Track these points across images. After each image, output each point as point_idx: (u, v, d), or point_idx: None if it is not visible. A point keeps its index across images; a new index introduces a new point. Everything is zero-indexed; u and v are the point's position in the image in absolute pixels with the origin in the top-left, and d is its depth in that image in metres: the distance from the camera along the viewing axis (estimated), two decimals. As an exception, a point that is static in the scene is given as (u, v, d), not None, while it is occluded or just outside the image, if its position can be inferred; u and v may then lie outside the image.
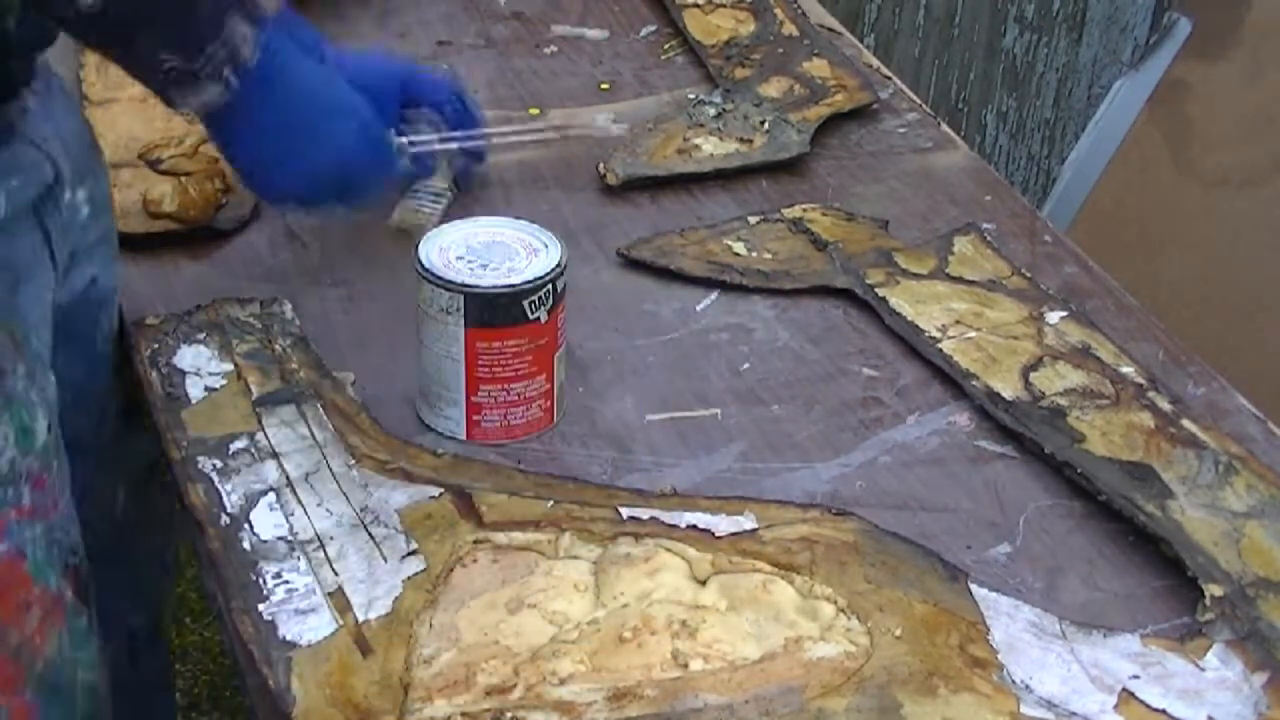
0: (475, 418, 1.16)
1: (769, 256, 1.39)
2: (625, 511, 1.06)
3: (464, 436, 1.17)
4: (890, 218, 1.46)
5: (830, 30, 1.78)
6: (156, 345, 1.21)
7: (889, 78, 1.70)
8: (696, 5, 1.80)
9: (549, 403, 1.19)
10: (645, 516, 1.06)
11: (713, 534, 1.05)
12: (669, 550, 1.03)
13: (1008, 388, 1.22)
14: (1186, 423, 1.19)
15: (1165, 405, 1.21)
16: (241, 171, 1.11)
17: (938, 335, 1.28)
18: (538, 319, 1.14)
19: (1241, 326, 1.82)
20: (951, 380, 1.24)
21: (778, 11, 1.79)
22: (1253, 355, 1.72)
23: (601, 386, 1.24)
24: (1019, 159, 2.82)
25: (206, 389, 1.18)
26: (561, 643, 0.96)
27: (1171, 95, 2.06)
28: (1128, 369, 1.25)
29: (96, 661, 1.10)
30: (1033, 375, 1.24)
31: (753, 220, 1.44)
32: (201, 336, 1.23)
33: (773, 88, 1.64)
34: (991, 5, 2.66)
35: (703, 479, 1.15)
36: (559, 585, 1.00)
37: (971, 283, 1.36)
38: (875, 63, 1.74)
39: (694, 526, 1.05)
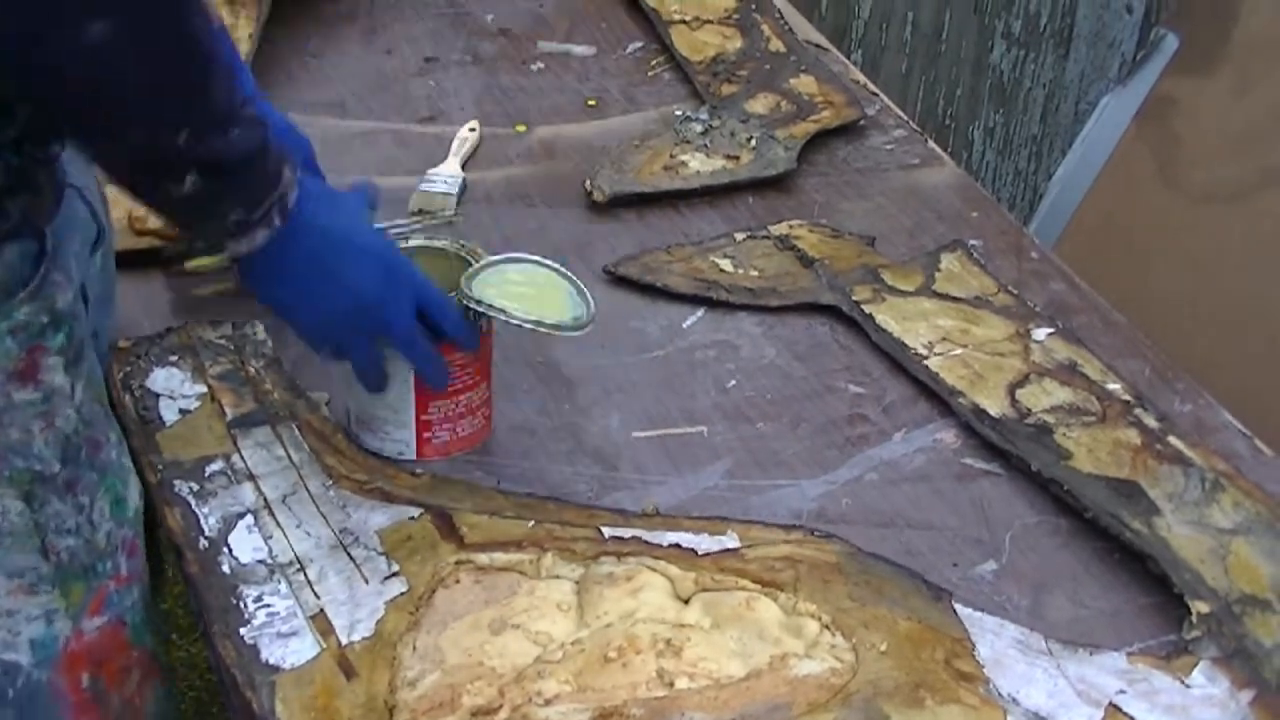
0: (426, 435, 1.15)
1: (755, 273, 1.39)
2: (607, 531, 1.06)
3: (414, 456, 1.16)
4: (877, 234, 1.46)
5: (817, 46, 1.78)
6: (129, 368, 1.21)
7: (876, 94, 1.71)
8: (683, 21, 1.80)
9: (489, 410, 1.19)
10: (627, 536, 1.06)
11: (695, 552, 1.04)
12: (651, 569, 1.02)
13: (994, 405, 1.22)
14: (1173, 439, 1.19)
15: (1152, 422, 1.21)
16: (272, 308, 1.09)
17: (924, 352, 1.28)
18: (481, 328, 1.14)
19: (1229, 343, 1.81)
20: (938, 397, 1.24)
21: (765, 28, 1.79)
22: (1240, 371, 1.72)
23: (587, 404, 1.24)
24: (1006, 175, 2.82)
25: (181, 411, 1.17)
26: (546, 663, 0.96)
27: (1159, 111, 2.06)
28: (1114, 386, 1.25)
29: (179, 709, 1.13)
30: (1019, 392, 1.24)
31: (739, 237, 1.44)
32: (174, 359, 1.22)
33: (760, 104, 1.64)
34: (979, 21, 2.66)
35: (689, 496, 1.14)
36: (542, 605, 1.00)
37: (958, 299, 1.36)
38: (862, 79, 1.74)
39: (676, 545, 1.05)
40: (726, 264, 1.40)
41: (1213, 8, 2.10)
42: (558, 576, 1.02)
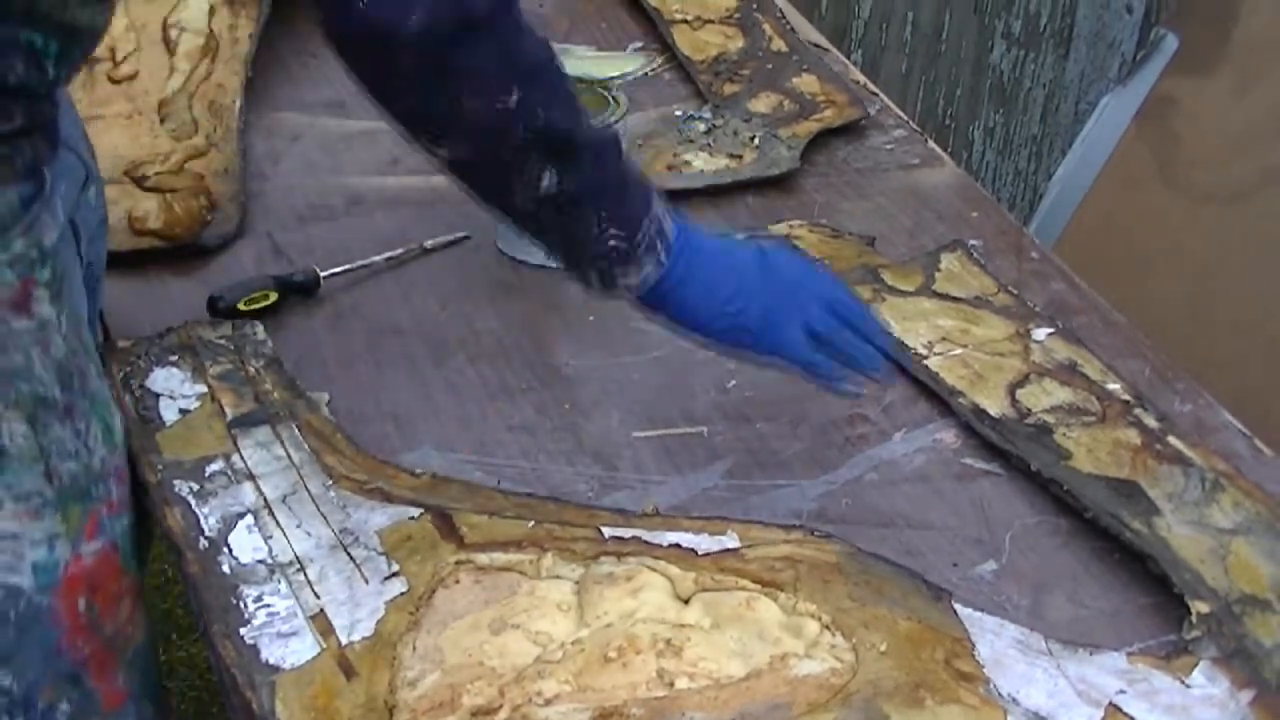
0: None
1: (755, 273, 1.39)
2: (607, 531, 1.06)
3: None
4: (877, 234, 1.46)
5: (817, 46, 1.78)
6: (129, 368, 1.21)
7: (876, 94, 1.70)
8: (685, 21, 1.80)
9: None
10: (627, 535, 1.06)
11: (695, 552, 1.04)
12: (651, 569, 1.02)
13: (994, 405, 1.22)
14: (1173, 439, 1.19)
15: (1152, 422, 1.21)
16: (688, 325, 1.14)
17: (924, 352, 1.28)
18: None
19: (1228, 343, 1.81)
20: (938, 397, 1.24)
21: (766, 27, 1.79)
22: (1239, 372, 1.72)
23: (587, 404, 1.24)
24: (1006, 175, 2.82)
25: (180, 411, 1.17)
26: (546, 663, 0.96)
27: (1159, 111, 2.06)
28: (1114, 386, 1.25)
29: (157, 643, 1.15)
30: (1019, 392, 1.24)
31: (740, 237, 1.44)
32: (174, 359, 1.22)
33: (762, 103, 1.64)
34: (979, 21, 2.66)
35: (689, 496, 1.14)
36: (542, 605, 1.00)
37: (958, 299, 1.36)
38: (862, 79, 1.74)
39: (676, 545, 1.05)
40: (727, 264, 1.40)
41: (1213, 8, 2.10)
42: (558, 576, 1.02)
